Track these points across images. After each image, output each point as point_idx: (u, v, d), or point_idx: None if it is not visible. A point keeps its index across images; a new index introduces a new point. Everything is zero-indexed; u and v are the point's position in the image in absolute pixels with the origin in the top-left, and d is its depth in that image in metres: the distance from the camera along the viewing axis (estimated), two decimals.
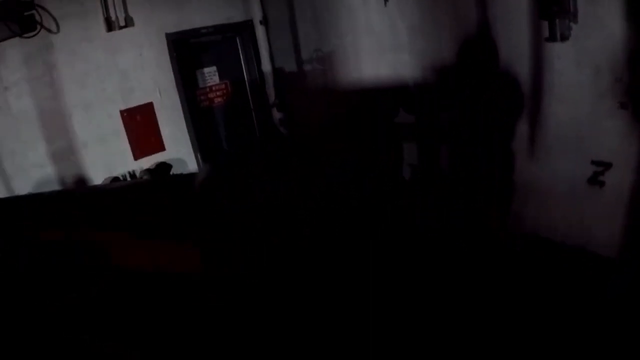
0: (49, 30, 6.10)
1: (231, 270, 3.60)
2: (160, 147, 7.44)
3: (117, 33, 6.65)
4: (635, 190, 4.49)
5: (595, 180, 4.74)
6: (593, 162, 4.69)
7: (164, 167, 7.19)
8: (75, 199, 4.53)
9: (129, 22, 6.70)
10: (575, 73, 4.61)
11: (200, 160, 7.80)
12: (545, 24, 4.63)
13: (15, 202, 4.63)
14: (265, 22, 8.33)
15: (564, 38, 4.52)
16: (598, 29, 4.31)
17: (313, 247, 4.44)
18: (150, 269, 3.42)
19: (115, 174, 6.88)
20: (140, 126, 7.17)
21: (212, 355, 3.32)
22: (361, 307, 4.36)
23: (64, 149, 6.42)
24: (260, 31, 8.41)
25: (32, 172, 6.17)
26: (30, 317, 3.27)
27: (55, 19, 6.09)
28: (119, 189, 5.05)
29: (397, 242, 5.35)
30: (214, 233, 3.70)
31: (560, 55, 4.69)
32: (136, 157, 7.17)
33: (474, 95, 5.63)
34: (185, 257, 3.47)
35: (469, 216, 5.92)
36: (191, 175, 6.57)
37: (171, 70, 7.40)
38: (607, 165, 4.60)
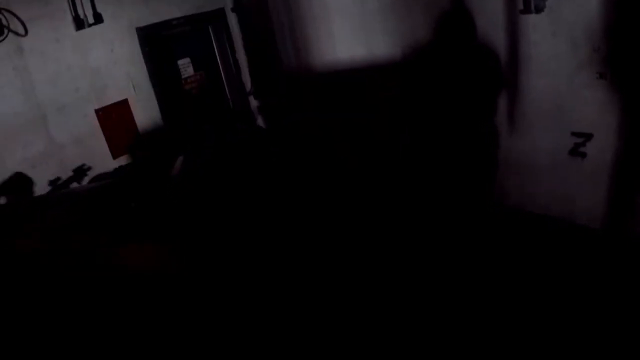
0: (17, 34, 6.11)
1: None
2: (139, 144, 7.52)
3: (86, 31, 6.67)
4: (617, 160, 4.61)
5: (576, 152, 4.85)
6: (574, 134, 4.81)
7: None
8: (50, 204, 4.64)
9: (97, 19, 6.71)
10: (551, 44, 4.70)
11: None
12: None
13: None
14: (237, 9, 8.39)
15: (539, 9, 4.59)
16: None
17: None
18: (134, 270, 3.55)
19: (94, 174, 6.96)
20: (117, 124, 7.23)
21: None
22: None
23: (40, 153, 6.45)
24: (232, 19, 8.49)
25: None
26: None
27: (22, 22, 6.09)
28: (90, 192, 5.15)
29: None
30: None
31: (535, 26, 4.76)
32: (115, 156, 7.24)
33: (451, 72, 5.67)
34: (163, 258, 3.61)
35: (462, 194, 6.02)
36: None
37: (144, 65, 7.48)
38: (588, 136, 4.72)
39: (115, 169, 7.10)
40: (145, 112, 7.56)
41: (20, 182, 6.26)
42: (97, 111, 7.02)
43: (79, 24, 6.60)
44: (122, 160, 7.30)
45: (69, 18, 6.58)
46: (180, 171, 4.58)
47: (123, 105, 7.31)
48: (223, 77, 8.81)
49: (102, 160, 7.09)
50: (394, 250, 5.26)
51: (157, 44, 7.69)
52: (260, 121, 9.00)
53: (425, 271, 4.93)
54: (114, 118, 7.20)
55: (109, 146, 7.18)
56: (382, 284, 4.77)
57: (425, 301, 4.49)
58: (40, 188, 6.39)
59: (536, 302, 4.24)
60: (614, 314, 3.95)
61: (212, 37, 8.61)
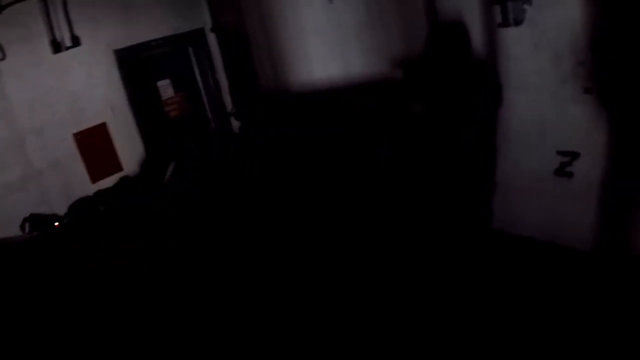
0: None
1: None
2: (118, 168, 7.50)
3: (64, 54, 6.69)
4: (606, 179, 4.47)
5: (562, 172, 4.74)
6: (559, 153, 4.69)
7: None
8: None
9: (75, 42, 6.74)
10: (533, 59, 4.60)
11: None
12: (497, 8, 4.58)
13: None
14: (216, 29, 8.44)
15: (518, 22, 4.50)
16: (555, 9, 4.28)
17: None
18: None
19: (73, 199, 6.94)
20: (95, 148, 7.21)
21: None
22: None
23: (19, 178, 6.43)
24: (212, 39, 8.55)
25: None
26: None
27: (0, 46, 6.15)
28: None
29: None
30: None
31: (515, 40, 4.67)
32: (94, 180, 7.21)
33: (428, 88, 5.69)
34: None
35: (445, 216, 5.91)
36: None
37: (122, 87, 7.48)
38: (575, 155, 4.61)
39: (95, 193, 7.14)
40: (124, 135, 7.54)
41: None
42: (75, 135, 7.01)
43: (56, 47, 6.62)
44: (101, 185, 7.25)
45: (46, 41, 6.59)
46: (171, 176, 4.66)
47: (101, 128, 7.30)
48: (204, 97, 8.82)
49: (81, 184, 7.06)
50: (375, 269, 5.27)
51: (136, 65, 7.70)
52: (241, 142, 9.02)
53: (404, 293, 4.87)
54: (92, 142, 7.18)
55: (88, 170, 7.15)
56: (359, 304, 4.79)
57: (400, 325, 4.45)
58: (21, 213, 6.39)
59: (523, 329, 4.13)
60: (607, 337, 3.88)
61: (192, 58, 8.64)
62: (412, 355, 4.10)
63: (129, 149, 7.63)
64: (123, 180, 7.47)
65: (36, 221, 6.35)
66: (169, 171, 4.95)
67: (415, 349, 4.14)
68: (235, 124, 8.99)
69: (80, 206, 6.84)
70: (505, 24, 4.59)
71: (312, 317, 4.40)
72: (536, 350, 3.92)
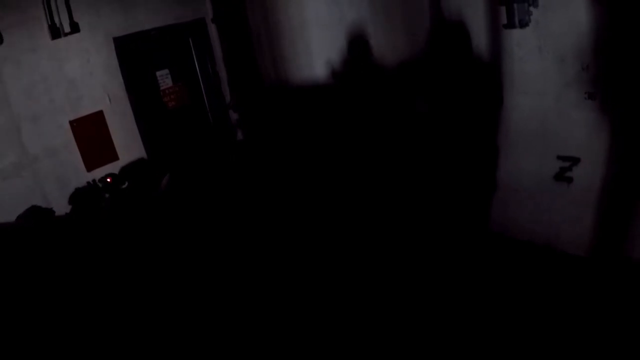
0: None
1: None
2: (114, 157, 7.54)
3: (62, 40, 6.69)
4: (606, 186, 4.48)
5: (562, 177, 4.76)
6: (560, 157, 4.71)
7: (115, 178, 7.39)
8: None
9: (74, 29, 6.73)
10: (537, 62, 4.59)
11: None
12: (503, 9, 4.54)
13: None
14: (217, 20, 8.44)
15: (524, 24, 4.45)
16: (561, 12, 4.26)
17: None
18: None
19: (69, 187, 7.01)
20: (91, 136, 7.24)
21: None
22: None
23: (14, 165, 6.46)
24: (212, 30, 8.56)
25: None
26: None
27: None
28: None
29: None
30: None
31: (520, 42, 4.66)
32: (89, 169, 7.24)
33: (430, 89, 5.69)
34: None
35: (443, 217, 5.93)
36: None
37: (120, 75, 7.49)
38: (575, 160, 4.62)
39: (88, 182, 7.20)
40: (121, 124, 7.57)
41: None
42: (71, 122, 7.03)
43: (55, 33, 6.60)
44: (97, 173, 7.30)
45: (45, 27, 6.59)
46: (167, 187, 4.76)
47: (98, 116, 7.31)
48: (202, 89, 8.83)
49: (76, 172, 7.11)
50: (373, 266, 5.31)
51: (135, 54, 7.72)
52: (239, 135, 9.08)
53: (401, 293, 4.91)
54: (88, 130, 7.20)
55: (83, 158, 7.19)
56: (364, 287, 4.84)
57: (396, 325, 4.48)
58: (15, 200, 6.42)
59: (518, 333, 4.16)
60: (602, 342, 3.90)
61: (192, 48, 8.63)
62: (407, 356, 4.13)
63: (126, 138, 7.66)
64: (121, 170, 7.53)
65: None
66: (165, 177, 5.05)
67: (411, 350, 4.18)
68: (234, 116, 9.02)
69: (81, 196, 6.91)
70: (510, 25, 4.54)
71: (311, 315, 4.45)
72: (531, 355, 3.96)
